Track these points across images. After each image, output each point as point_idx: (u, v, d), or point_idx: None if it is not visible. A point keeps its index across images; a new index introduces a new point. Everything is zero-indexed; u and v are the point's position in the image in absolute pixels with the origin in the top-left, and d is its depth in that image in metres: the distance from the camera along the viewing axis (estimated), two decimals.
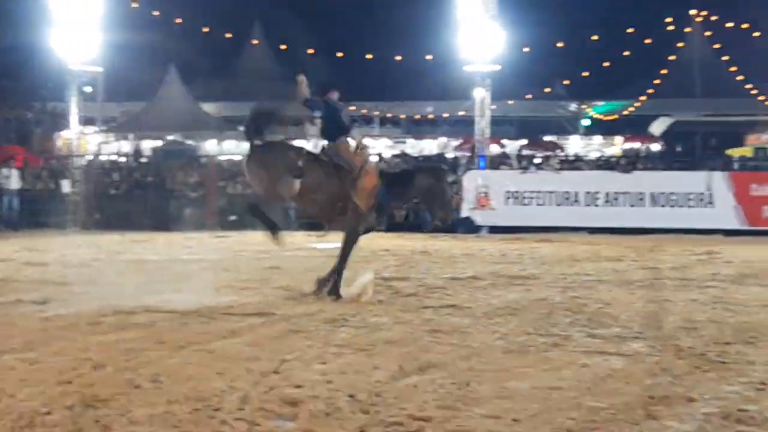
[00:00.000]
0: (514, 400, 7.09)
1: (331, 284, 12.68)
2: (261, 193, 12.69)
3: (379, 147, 52.27)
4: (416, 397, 7.16)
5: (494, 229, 26.34)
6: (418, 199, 13.46)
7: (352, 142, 12.95)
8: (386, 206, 13.24)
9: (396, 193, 13.03)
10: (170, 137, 46.53)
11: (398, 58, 56.31)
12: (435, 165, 13.20)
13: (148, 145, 46.13)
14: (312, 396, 7.14)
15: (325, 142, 12.99)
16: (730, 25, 56.30)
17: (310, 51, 57.30)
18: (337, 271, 12.71)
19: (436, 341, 9.45)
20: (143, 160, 39.67)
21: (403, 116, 62.45)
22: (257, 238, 23.99)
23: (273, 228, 12.63)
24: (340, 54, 57.66)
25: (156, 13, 50.76)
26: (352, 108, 61.29)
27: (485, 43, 29.66)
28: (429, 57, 52.24)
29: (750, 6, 54.38)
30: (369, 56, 57.15)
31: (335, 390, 7.33)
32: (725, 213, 25.82)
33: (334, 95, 12.99)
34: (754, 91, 54.89)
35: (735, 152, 40.06)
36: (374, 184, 12.71)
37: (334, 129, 12.89)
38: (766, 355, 8.80)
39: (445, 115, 58.57)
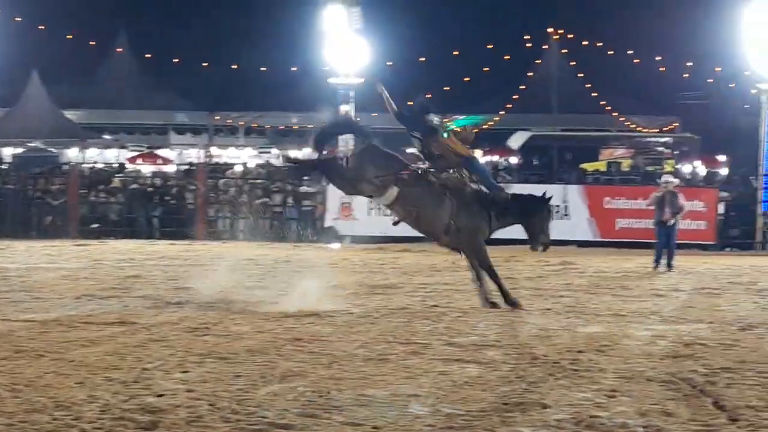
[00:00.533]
0: (373, 408, 7.22)
1: (504, 300, 13.03)
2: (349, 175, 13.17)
3: (244, 157, 52.01)
4: (277, 404, 7.23)
5: (357, 239, 26.50)
6: (524, 223, 13.65)
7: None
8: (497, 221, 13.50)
9: (507, 215, 13.45)
10: (32, 144, 45.41)
11: (263, 69, 56.03)
12: (541, 197, 13.61)
13: (9, 152, 44.94)
14: (173, 405, 7.15)
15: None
16: (585, 43, 57.76)
17: (176, 60, 56.66)
18: (499, 287, 13.08)
19: (298, 350, 9.54)
20: (4, 166, 38.62)
21: (268, 126, 62.18)
22: (118, 246, 23.81)
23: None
24: (205, 64, 57.15)
25: (18, 18, 49.50)
26: (217, 118, 60.95)
27: (349, 56, 29.86)
28: (294, 68, 52.16)
29: (605, 25, 55.92)
30: (234, 66, 56.75)
31: (196, 398, 7.36)
32: (580, 225, 26.52)
33: (432, 118, 13.48)
34: (608, 108, 56.40)
35: (589, 166, 41.07)
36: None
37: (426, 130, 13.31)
38: (616, 363, 9.10)
39: (310, 126, 58.46)
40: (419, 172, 13.16)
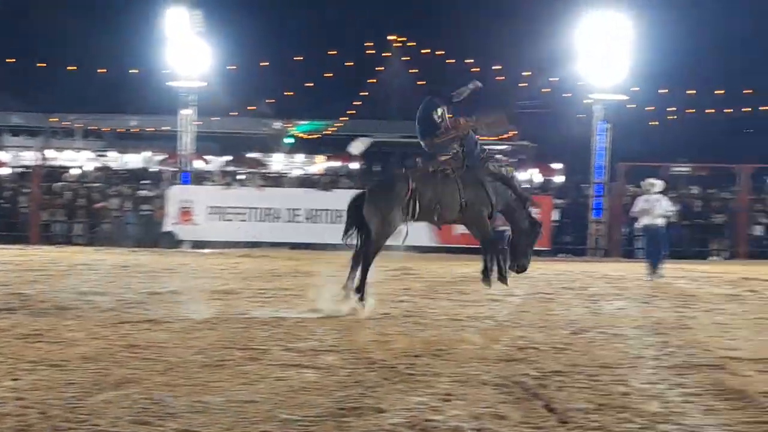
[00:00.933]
0: (208, 414, 7.19)
1: (497, 274, 13.35)
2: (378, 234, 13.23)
3: (81, 160, 50.92)
4: (110, 412, 7.13)
5: (196, 244, 26.25)
6: (513, 235, 13.80)
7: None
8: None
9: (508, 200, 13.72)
10: None
11: (102, 70, 54.97)
12: (536, 221, 13.60)
13: None
14: (1, 414, 6.99)
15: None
16: (426, 51, 58.55)
17: (10, 60, 55.07)
18: (496, 260, 13.39)
19: (133, 356, 9.42)
20: None
21: (106, 129, 61.08)
22: None
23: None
24: (41, 64, 55.70)
25: None
26: (54, 120, 59.43)
27: (191, 59, 29.53)
28: (134, 71, 51.29)
29: (445, 34, 56.87)
30: (71, 67, 55.48)
31: (26, 407, 7.21)
32: (419, 231, 26.74)
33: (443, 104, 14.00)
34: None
35: None
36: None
37: (427, 128, 13.80)
38: (451, 367, 9.25)
39: (150, 129, 57.73)
40: (420, 169, 13.56)
